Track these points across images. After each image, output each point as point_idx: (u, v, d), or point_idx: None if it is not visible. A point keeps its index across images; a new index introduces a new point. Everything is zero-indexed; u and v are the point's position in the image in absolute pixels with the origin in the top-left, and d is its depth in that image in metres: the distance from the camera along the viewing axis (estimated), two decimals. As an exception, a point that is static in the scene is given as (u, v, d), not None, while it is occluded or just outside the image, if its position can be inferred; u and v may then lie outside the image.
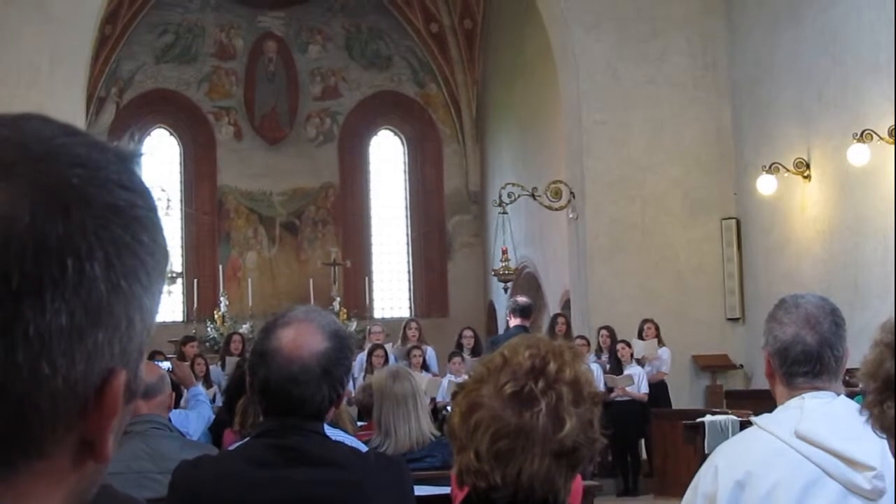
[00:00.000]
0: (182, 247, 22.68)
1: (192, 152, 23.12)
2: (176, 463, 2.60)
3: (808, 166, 13.14)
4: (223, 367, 13.46)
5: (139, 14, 22.07)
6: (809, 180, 13.15)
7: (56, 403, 0.73)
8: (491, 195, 19.27)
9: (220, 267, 22.29)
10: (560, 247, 16.80)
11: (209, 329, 20.40)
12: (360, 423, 7.26)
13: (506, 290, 16.89)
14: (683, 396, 14.00)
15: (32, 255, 0.71)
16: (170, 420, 4.24)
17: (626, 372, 13.19)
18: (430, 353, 13.01)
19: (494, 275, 16.26)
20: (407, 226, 24.11)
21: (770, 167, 13.55)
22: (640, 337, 13.61)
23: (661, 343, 13.65)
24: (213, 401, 9.89)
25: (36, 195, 0.72)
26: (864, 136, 11.66)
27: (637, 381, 13.15)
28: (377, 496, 2.49)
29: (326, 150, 23.57)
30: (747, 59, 14.56)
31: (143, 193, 0.78)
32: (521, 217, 17.88)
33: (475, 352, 12.86)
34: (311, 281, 21.62)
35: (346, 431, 4.24)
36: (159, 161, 22.49)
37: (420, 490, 3.55)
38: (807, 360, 2.69)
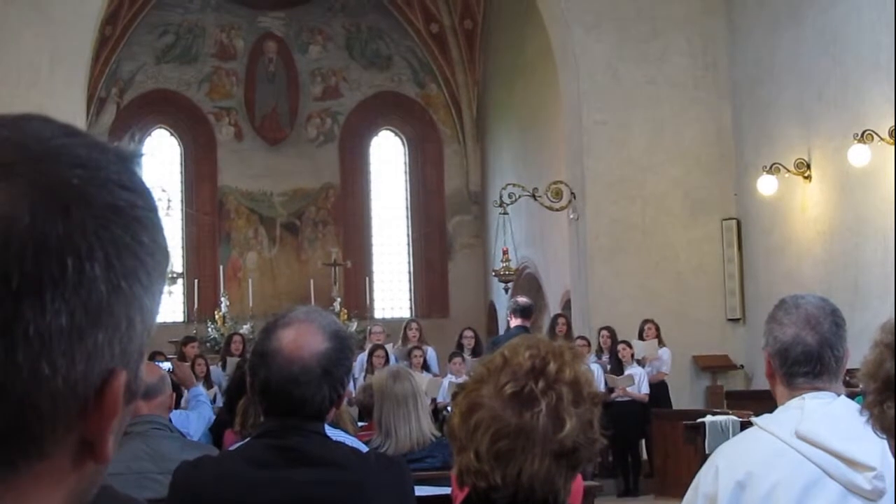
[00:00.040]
0: (182, 247, 22.68)
1: (193, 153, 23.12)
2: (176, 463, 2.60)
3: (808, 167, 13.14)
4: (224, 367, 13.46)
5: (139, 15, 22.08)
6: (810, 181, 13.15)
7: (56, 404, 0.73)
8: (491, 195, 19.28)
9: (221, 267, 22.29)
10: (560, 247, 16.80)
11: (210, 329, 20.41)
12: (360, 424, 7.26)
13: (506, 290, 16.90)
14: (684, 397, 14.00)
15: (32, 255, 0.71)
16: (170, 421, 4.23)
17: (626, 372, 13.18)
18: (431, 353, 13.01)
19: (495, 275, 16.27)
20: (407, 226, 24.11)
21: (770, 167, 13.55)
22: (641, 337, 13.61)
23: (661, 343, 13.64)
24: (213, 401, 9.89)
25: (36, 195, 0.72)
26: (864, 137, 11.66)
27: (637, 382, 13.14)
28: (378, 497, 2.49)
29: (327, 150, 23.57)
30: (748, 59, 14.56)
31: (144, 194, 0.78)
32: (522, 217, 17.88)
33: (476, 352, 12.86)
34: (311, 281, 21.62)
35: (346, 432, 4.24)
36: (160, 161, 22.49)
37: (420, 490, 3.55)
38: (807, 361, 2.69)
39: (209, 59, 23.25)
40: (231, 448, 2.87)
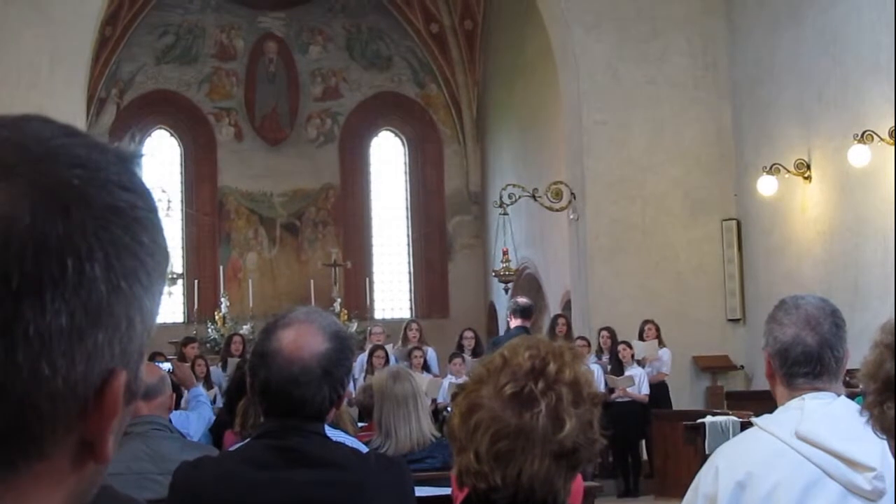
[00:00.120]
0: (182, 248, 22.69)
1: (193, 153, 23.12)
2: (176, 464, 2.60)
3: (808, 167, 13.14)
4: (224, 368, 13.46)
5: (139, 15, 22.09)
6: (810, 181, 13.15)
7: (56, 404, 0.73)
8: (491, 196, 19.29)
9: (221, 268, 22.30)
10: (560, 247, 16.80)
11: (210, 330, 20.41)
12: (360, 424, 7.26)
13: (506, 290, 16.90)
14: (684, 397, 14.00)
15: (32, 255, 0.71)
16: (170, 421, 4.23)
17: (626, 373, 13.18)
18: (431, 353, 13.00)
19: (495, 275, 16.27)
20: (407, 227, 24.12)
21: (770, 168, 13.55)
22: (641, 338, 13.61)
23: (661, 344, 13.64)
24: (213, 402, 9.89)
25: (36, 195, 0.72)
26: (864, 137, 11.66)
27: (638, 382, 13.14)
28: (378, 497, 2.49)
29: (327, 150, 23.58)
30: (748, 59, 14.56)
31: (144, 194, 0.78)
32: (522, 218, 17.88)
33: (476, 353, 12.85)
34: (311, 282, 21.63)
35: (346, 432, 4.24)
36: (160, 162, 22.50)
37: (420, 491, 3.55)
38: (807, 361, 2.69)
39: (209, 59, 23.25)
40: (231, 449, 2.87)
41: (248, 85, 23.41)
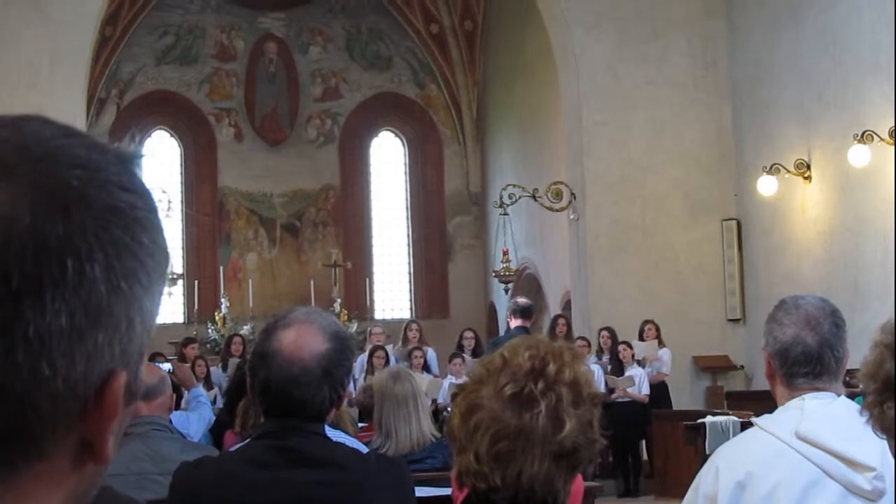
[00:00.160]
0: (183, 248, 22.69)
1: (193, 154, 23.12)
2: (176, 464, 2.60)
3: (808, 167, 13.14)
4: (224, 368, 13.46)
5: (139, 15, 22.09)
6: (810, 181, 13.15)
7: (56, 404, 0.73)
8: (491, 196, 19.29)
9: (221, 268, 22.30)
10: (561, 248, 16.80)
11: (210, 331, 20.41)
12: (360, 425, 7.27)
13: (506, 291, 16.90)
14: (684, 397, 14.00)
15: (32, 255, 0.71)
16: (170, 422, 4.23)
17: (626, 373, 13.18)
18: (431, 354, 13.00)
19: (495, 276, 16.27)
20: (407, 227, 24.12)
21: (770, 168, 13.55)
22: (641, 338, 13.61)
23: (661, 344, 13.64)
24: (213, 402, 9.90)
25: (36, 196, 0.72)
26: (864, 137, 11.66)
27: (638, 383, 13.14)
28: (378, 497, 2.49)
29: (327, 151, 23.58)
30: (748, 59, 14.56)
31: (144, 195, 0.78)
32: (522, 218, 17.88)
33: (476, 353, 12.85)
34: (311, 282, 21.62)
35: (346, 433, 4.24)
36: (160, 162, 22.51)
37: (421, 491, 3.55)
38: (807, 361, 2.69)
39: (209, 59, 23.25)
40: (231, 449, 2.87)
41: (248, 85, 23.41)
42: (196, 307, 21.60)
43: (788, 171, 13.31)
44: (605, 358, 13.56)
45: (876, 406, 1.82)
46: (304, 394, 2.44)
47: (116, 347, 0.75)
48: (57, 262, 0.71)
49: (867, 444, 2.34)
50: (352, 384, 8.91)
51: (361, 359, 12.44)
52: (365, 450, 2.99)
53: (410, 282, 23.97)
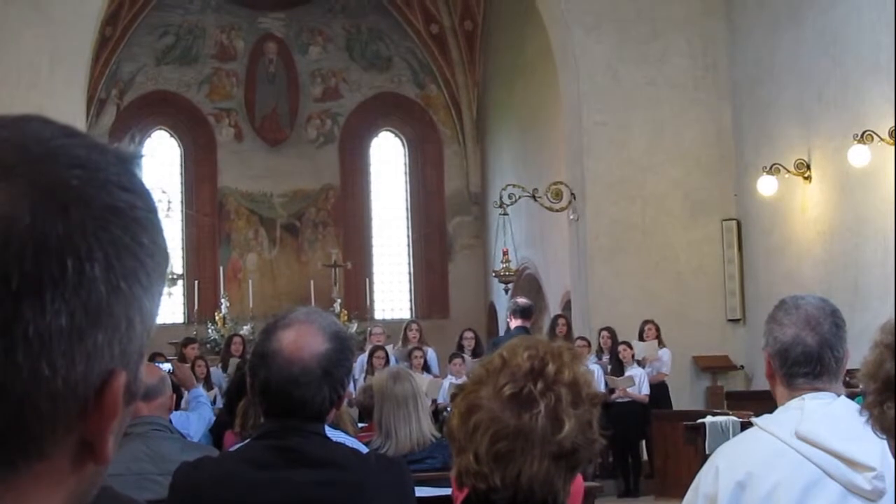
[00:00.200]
0: (183, 248, 22.69)
1: (193, 154, 23.12)
2: (176, 464, 2.60)
3: (808, 167, 13.14)
4: (224, 368, 13.46)
5: (139, 16, 22.08)
6: (810, 181, 13.15)
7: (56, 404, 0.73)
8: (491, 196, 19.29)
9: (221, 268, 22.29)
10: (560, 248, 16.81)
11: (210, 331, 20.41)
12: (360, 425, 7.27)
13: (506, 291, 16.90)
14: (684, 397, 14.00)
15: (32, 255, 0.71)
16: (170, 422, 4.23)
17: (626, 373, 13.18)
18: (431, 354, 13.01)
19: (495, 276, 16.27)
20: (407, 227, 24.12)
21: (770, 168, 13.55)
22: (641, 338, 13.61)
23: (661, 344, 13.64)
24: (213, 403, 9.90)
25: (36, 196, 0.72)
26: (864, 138, 11.66)
27: (638, 383, 13.14)
28: (378, 497, 2.49)
29: (327, 151, 23.57)
30: (748, 59, 14.56)
31: (143, 195, 0.78)
32: (522, 218, 17.88)
33: (476, 353, 12.86)
34: (311, 282, 21.62)
35: (346, 433, 4.24)
36: (160, 163, 22.51)
37: (420, 491, 3.55)
38: (807, 362, 2.69)
39: (209, 60, 23.25)
40: (231, 449, 2.87)
41: (248, 85, 23.41)
42: (196, 307, 21.60)
43: (788, 172, 13.31)
44: (605, 358, 13.56)
45: (876, 406, 1.82)
46: (304, 394, 2.44)
47: (116, 347, 0.75)
48: (57, 262, 0.71)
49: (867, 444, 2.34)
50: (352, 384, 8.91)
51: (361, 359, 12.44)
52: (365, 450, 2.99)
53: (410, 282, 23.97)
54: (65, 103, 13.10)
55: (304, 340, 2.45)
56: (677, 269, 14.65)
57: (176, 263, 21.89)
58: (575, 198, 14.86)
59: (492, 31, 22.24)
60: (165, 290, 0.81)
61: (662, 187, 14.74)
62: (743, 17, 14.67)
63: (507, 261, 15.43)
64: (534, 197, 15.17)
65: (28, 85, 13.31)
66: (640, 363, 13.40)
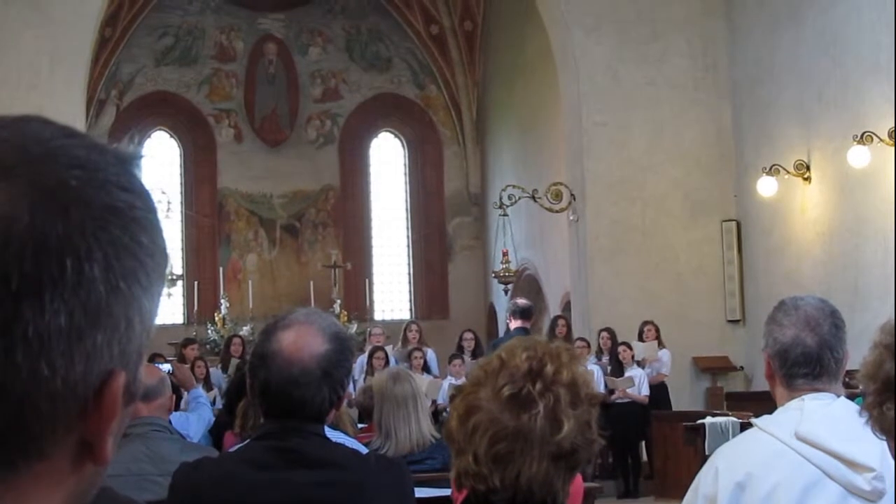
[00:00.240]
0: (182, 249, 22.68)
1: (193, 154, 23.12)
2: (176, 465, 2.60)
3: (808, 168, 13.15)
4: (224, 369, 13.46)
5: (139, 16, 22.09)
6: (809, 182, 13.15)
7: (55, 404, 0.73)
8: (491, 197, 19.29)
9: (221, 269, 22.29)
10: (560, 248, 16.80)
11: (209, 331, 20.41)
12: (360, 426, 7.27)
13: (506, 292, 16.89)
14: (684, 398, 14.00)
15: (32, 255, 0.71)
16: (170, 422, 4.23)
17: (626, 374, 13.18)
18: (431, 355, 13.00)
19: (495, 277, 16.26)
20: (407, 228, 24.11)
21: (770, 169, 13.55)
22: (641, 339, 13.61)
23: (661, 345, 13.64)
24: (213, 403, 9.90)
25: (35, 196, 0.72)
26: (864, 138, 11.66)
27: (637, 383, 13.14)
28: (378, 498, 2.49)
29: (327, 152, 23.57)
30: (747, 60, 14.56)
31: (143, 195, 0.78)
32: (522, 219, 17.88)
33: (476, 354, 12.86)
34: (311, 283, 21.62)
35: (346, 433, 4.24)
36: (159, 163, 22.50)
37: (420, 492, 3.55)
38: (806, 362, 2.69)
39: (209, 60, 23.25)
40: (231, 450, 2.87)
41: (248, 86, 23.41)
42: (196, 308, 21.60)
43: (788, 172, 13.31)
44: (605, 359, 13.56)
45: (875, 407, 1.82)
46: (304, 395, 2.44)
47: (115, 348, 0.75)
48: (56, 262, 0.71)
49: (867, 444, 2.34)
50: (351, 385, 8.91)
51: (361, 360, 12.44)
52: (365, 451, 2.99)
53: (410, 283, 23.97)
54: (64, 104, 13.10)
55: (303, 341, 2.45)
56: (677, 269, 14.66)
57: (176, 264, 21.89)
58: (575, 198, 14.86)
59: (491, 31, 22.24)
60: (165, 290, 0.81)
61: (662, 188, 14.74)
62: (743, 17, 14.67)
63: (507, 261, 15.42)
64: (533, 198, 15.17)
65: (28, 85, 13.31)
66: (640, 364, 13.40)
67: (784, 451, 2.59)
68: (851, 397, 3.02)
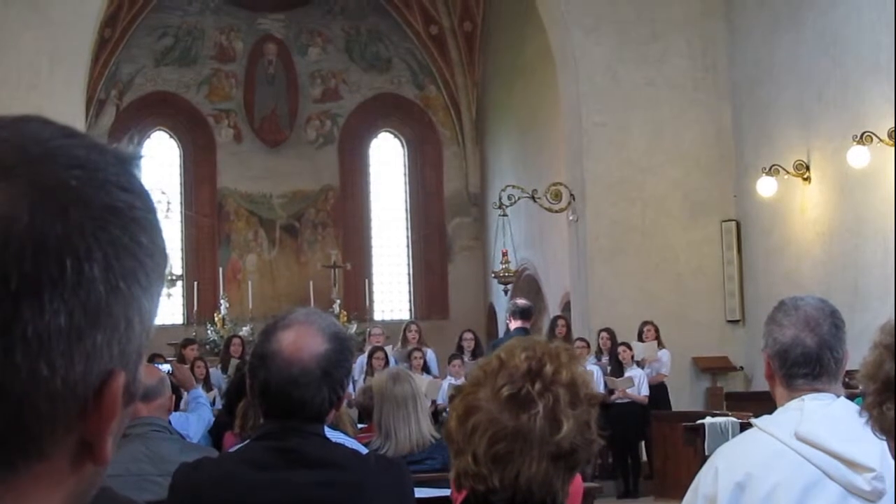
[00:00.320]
0: (182, 249, 22.68)
1: (192, 155, 23.11)
2: (176, 465, 2.60)
3: (807, 168, 13.15)
4: (223, 369, 13.46)
5: (139, 17, 22.08)
6: (809, 182, 13.15)
7: (55, 404, 0.73)
8: (491, 197, 19.28)
9: (221, 269, 22.29)
10: (560, 249, 16.80)
11: (209, 332, 20.41)
12: (360, 426, 7.27)
13: (506, 292, 16.88)
14: (683, 398, 14.00)
15: (31, 255, 0.71)
16: (170, 423, 4.23)
17: (626, 374, 13.18)
18: (431, 355, 13.01)
19: (494, 277, 16.25)
20: (407, 228, 24.11)
21: (770, 169, 13.55)
22: (640, 339, 13.61)
23: (660, 345, 13.64)
24: (213, 404, 9.89)
25: (35, 196, 0.72)
26: (863, 139, 11.66)
27: (637, 384, 13.14)
28: (377, 498, 2.49)
29: (326, 152, 23.57)
30: (747, 60, 14.56)
31: (142, 195, 0.78)
32: (521, 219, 17.88)
33: (475, 354, 12.86)
34: (311, 283, 21.61)
35: (346, 433, 4.24)
36: (159, 163, 22.49)
37: (420, 492, 3.55)
38: (806, 362, 2.69)
39: (208, 61, 23.24)
40: (231, 450, 2.87)
41: (248, 86, 23.41)
42: (195, 308, 21.60)
43: (788, 172, 13.31)
44: (605, 359, 13.56)
45: (875, 407, 1.82)
46: (304, 395, 2.44)
47: (115, 348, 0.75)
48: (56, 262, 0.71)
49: (867, 444, 2.34)
50: (351, 385, 8.91)
51: (361, 360, 12.44)
52: (364, 451, 2.99)
53: (410, 283, 23.96)
54: (64, 104, 13.10)
55: (303, 341, 2.45)
56: (677, 270, 14.66)
57: (175, 264, 21.89)
58: (574, 199, 14.86)
59: (491, 31, 22.24)
60: (164, 290, 0.81)
61: (662, 188, 14.74)
62: (743, 18, 14.67)
63: (507, 262, 15.42)
64: (533, 198, 15.17)
65: (28, 86, 13.31)
66: (640, 364, 13.40)
67: (784, 451, 2.59)
68: (851, 397, 3.02)
